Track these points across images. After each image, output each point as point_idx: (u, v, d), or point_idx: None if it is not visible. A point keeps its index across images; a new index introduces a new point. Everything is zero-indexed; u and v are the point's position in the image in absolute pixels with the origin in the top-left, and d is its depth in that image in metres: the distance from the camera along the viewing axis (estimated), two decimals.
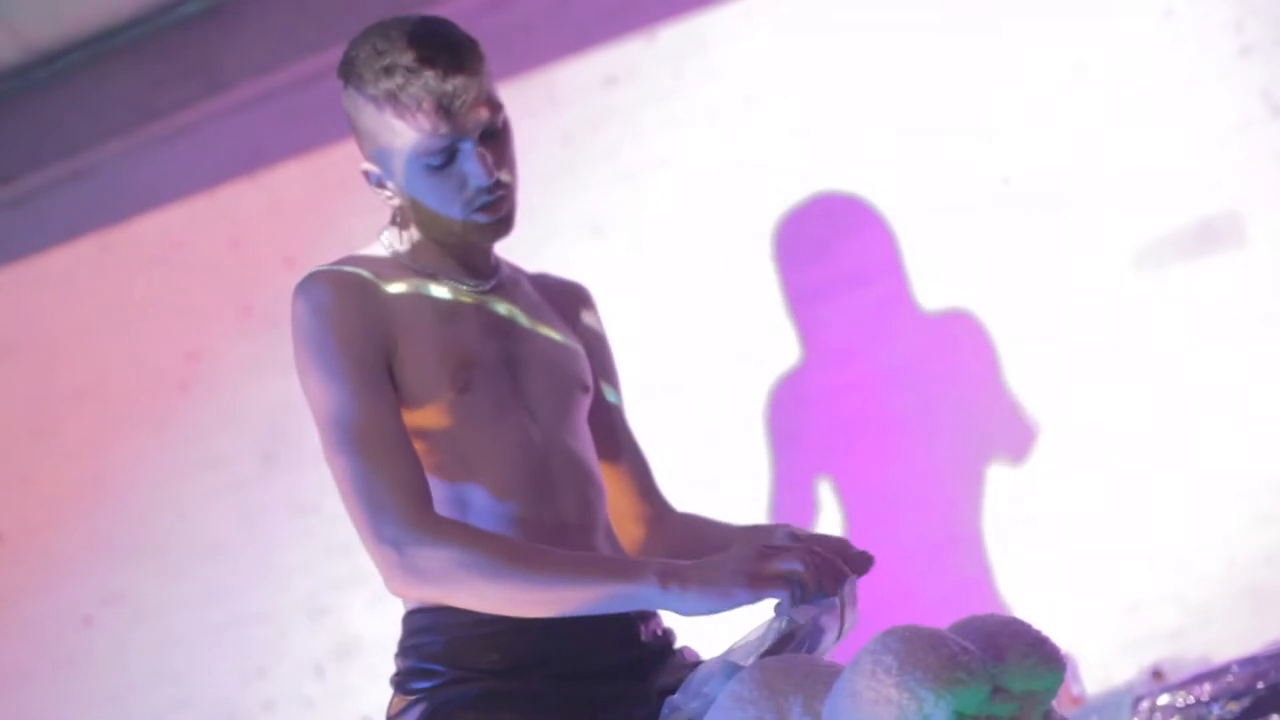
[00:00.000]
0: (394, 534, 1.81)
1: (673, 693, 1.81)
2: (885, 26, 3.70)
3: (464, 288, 2.01)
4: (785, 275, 3.71)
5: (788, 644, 1.73)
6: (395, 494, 1.83)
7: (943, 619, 1.71)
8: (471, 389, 1.94)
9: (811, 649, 1.76)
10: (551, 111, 3.89)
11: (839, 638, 1.81)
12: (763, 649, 1.72)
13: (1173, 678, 2.64)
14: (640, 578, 1.76)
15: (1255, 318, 3.40)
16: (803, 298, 3.69)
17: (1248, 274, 3.41)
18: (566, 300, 2.19)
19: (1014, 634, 1.65)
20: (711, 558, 1.77)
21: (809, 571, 1.72)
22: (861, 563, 1.82)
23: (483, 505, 1.92)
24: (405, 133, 1.92)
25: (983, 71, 3.61)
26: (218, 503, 4.16)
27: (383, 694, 1.98)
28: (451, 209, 1.96)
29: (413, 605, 1.96)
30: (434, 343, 1.94)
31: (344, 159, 4.16)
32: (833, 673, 1.62)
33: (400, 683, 1.94)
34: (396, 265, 2.00)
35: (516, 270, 2.15)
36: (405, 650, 1.95)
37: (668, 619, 2.05)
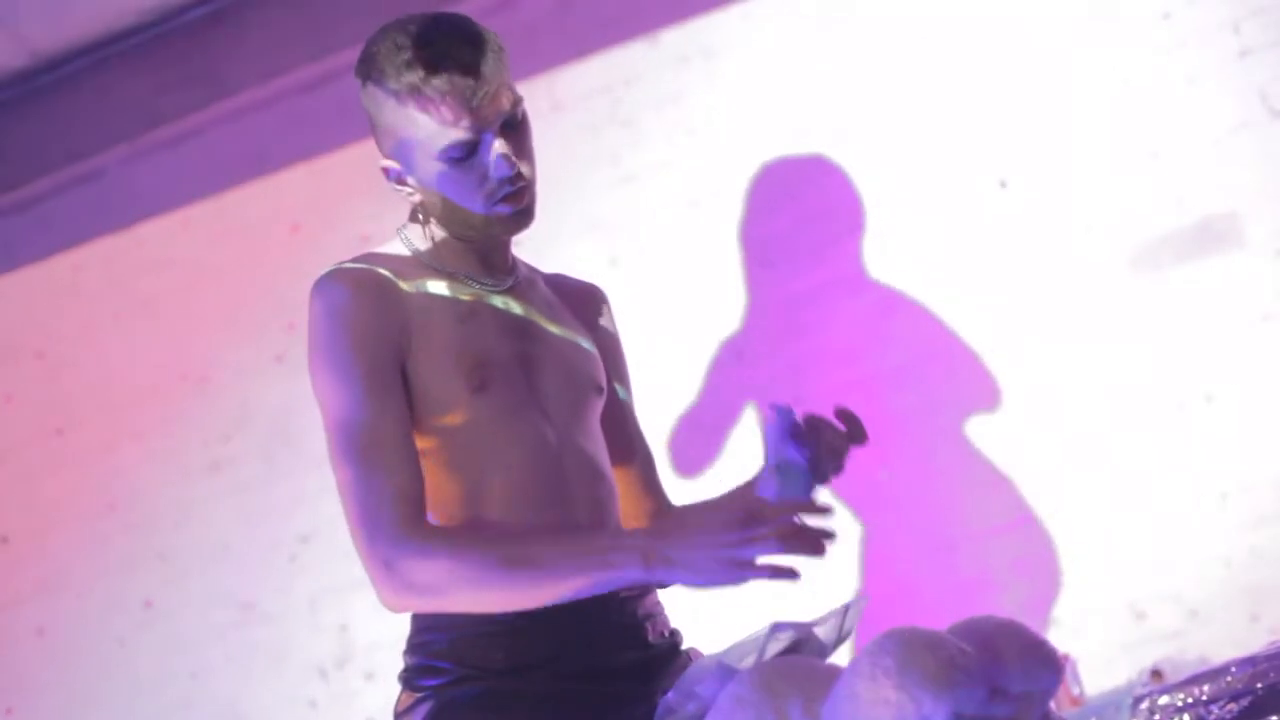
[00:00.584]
0: (386, 550, 1.84)
1: None
2: (884, 31, 3.71)
3: (481, 286, 2.02)
4: (785, 278, 3.72)
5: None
6: (390, 508, 1.84)
7: (942, 621, 1.72)
8: (487, 388, 1.95)
9: (824, 656, 1.79)
10: (554, 116, 3.90)
11: (838, 643, 1.83)
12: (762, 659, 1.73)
13: (1172, 678, 2.65)
14: (626, 564, 1.78)
15: (1253, 318, 3.40)
16: (802, 300, 3.70)
17: (1246, 274, 3.41)
18: (582, 301, 2.21)
19: (1012, 636, 1.67)
20: (694, 527, 1.76)
21: (786, 549, 1.73)
22: (856, 429, 1.89)
23: (496, 504, 1.93)
24: (428, 126, 1.92)
25: (981, 74, 3.62)
26: (222, 505, 4.17)
27: (385, 696, 1.99)
28: (473, 202, 1.96)
29: None
30: (450, 341, 1.95)
31: (349, 162, 4.20)
32: (832, 674, 1.63)
33: (408, 679, 1.95)
34: (415, 263, 2.00)
35: (533, 270, 2.16)
36: (413, 647, 1.96)
37: (674, 620, 2.07)
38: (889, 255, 3.64)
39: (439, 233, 2.03)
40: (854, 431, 1.96)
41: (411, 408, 1.92)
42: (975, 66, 3.62)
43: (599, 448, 2.05)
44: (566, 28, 3.95)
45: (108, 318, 4.32)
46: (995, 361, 3.55)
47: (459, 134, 1.92)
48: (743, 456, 3.68)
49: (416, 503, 1.86)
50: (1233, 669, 2.48)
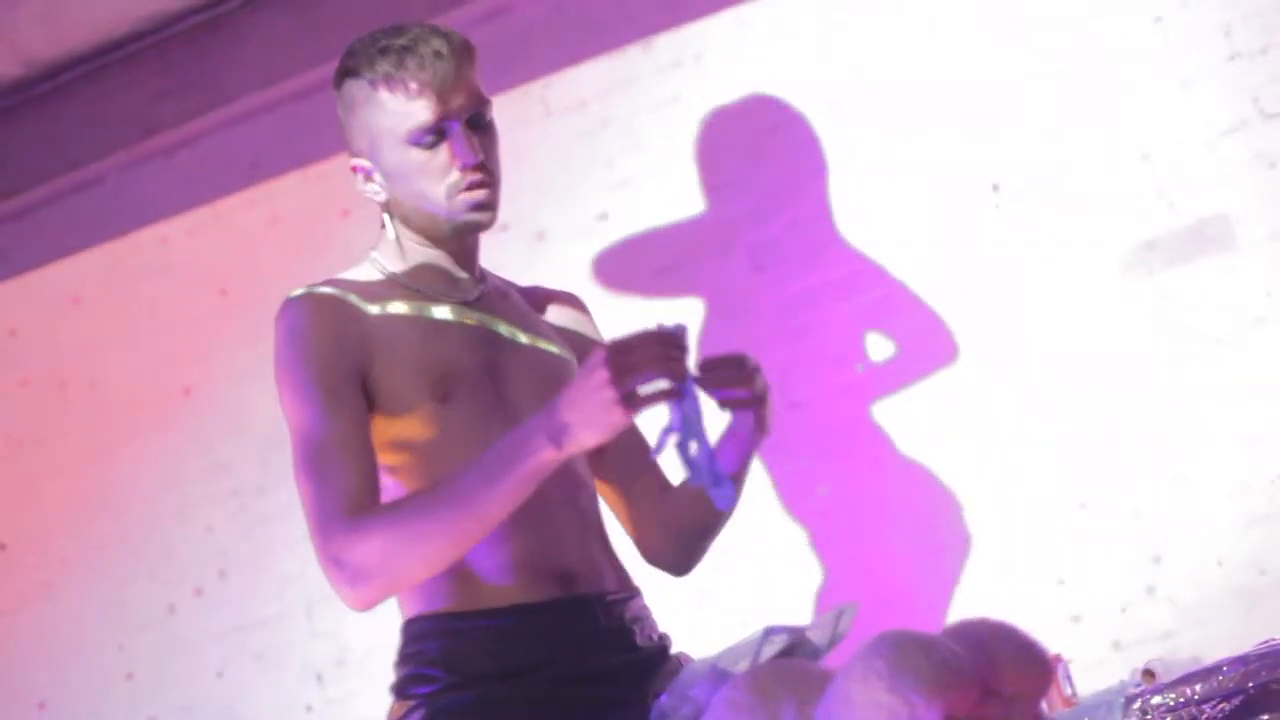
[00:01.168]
0: (332, 548, 1.87)
1: None
2: (877, 34, 3.72)
3: (449, 300, 2.06)
4: (779, 281, 3.73)
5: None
6: (337, 511, 1.88)
7: (935, 623, 1.74)
8: (451, 399, 1.99)
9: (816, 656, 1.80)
10: (548, 122, 3.91)
11: (830, 647, 1.84)
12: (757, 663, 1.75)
13: (1164, 678, 2.65)
14: (536, 449, 1.81)
15: (1245, 321, 3.41)
16: (794, 304, 3.71)
17: (1238, 277, 3.42)
18: (557, 310, 2.25)
19: (1004, 638, 1.68)
20: (572, 387, 1.80)
21: (658, 372, 1.77)
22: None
23: None
24: (396, 110, 2.00)
25: (974, 78, 3.63)
26: (218, 511, 4.18)
27: (381, 701, 2.00)
28: (437, 192, 2.02)
29: (411, 613, 1.99)
30: (415, 357, 1.99)
31: (344, 171, 4.20)
32: (826, 677, 1.65)
33: (399, 689, 1.98)
34: (382, 284, 2.05)
35: (506, 283, 2.20)
36: (404, 658, 1.99)
37: (663, 624, 2.08)
38: (882, 259, 3.65)
39: (406, 240, 2.08)
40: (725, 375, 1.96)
41: (378, 422, 1.97)
42: (968, 70, 3.63)
43: (578, 456, 2.07)
44: (560, 34, 3.97)
45: (104, 325, 4.32)
46: (988, 363, 3.56)
47: (426, 115, 1.99)
48: None
49: (362, 500, 1.90)
50: (1224, 668, 2.49)
